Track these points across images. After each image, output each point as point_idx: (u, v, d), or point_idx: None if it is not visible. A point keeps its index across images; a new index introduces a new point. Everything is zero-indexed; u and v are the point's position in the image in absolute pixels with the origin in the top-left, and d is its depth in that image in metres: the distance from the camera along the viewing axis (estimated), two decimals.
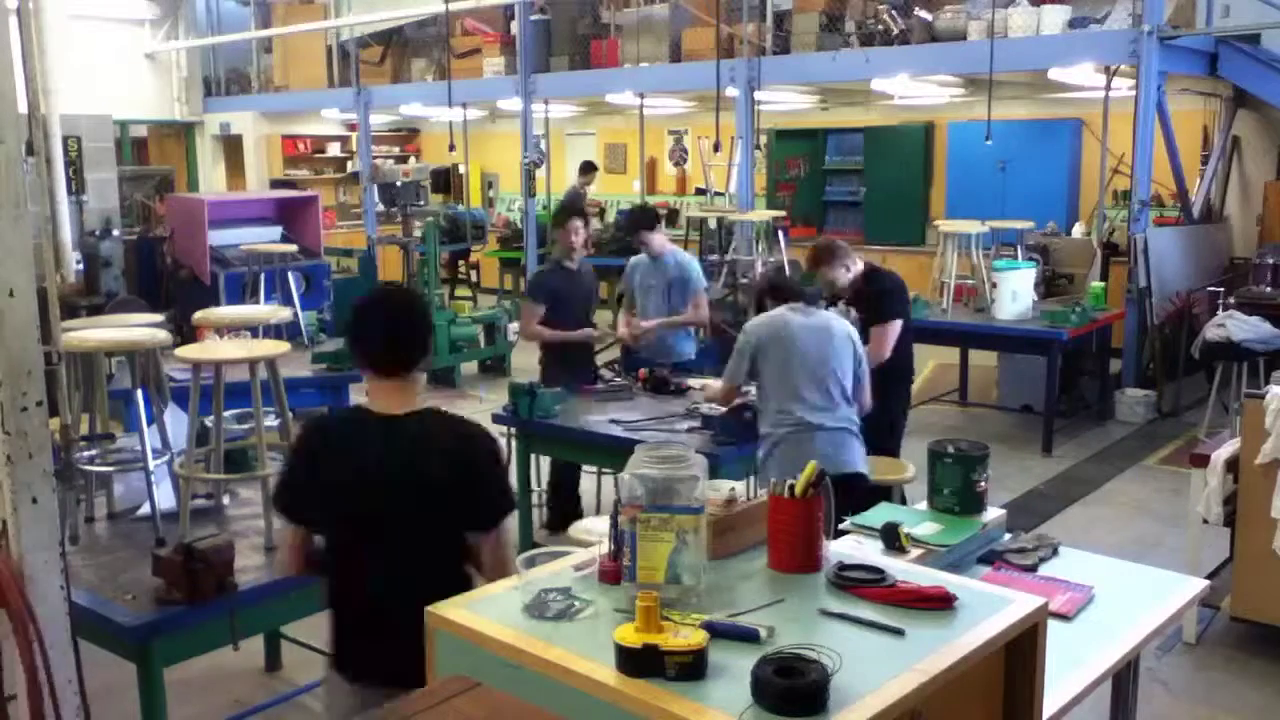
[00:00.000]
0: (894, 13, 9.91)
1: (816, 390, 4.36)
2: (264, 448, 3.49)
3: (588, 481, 6.39)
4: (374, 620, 2.61)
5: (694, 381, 5.82)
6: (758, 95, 10.67)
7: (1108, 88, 9.60)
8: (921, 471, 3.98)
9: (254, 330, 5.56)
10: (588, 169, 13.01)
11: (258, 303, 7.60)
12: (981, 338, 8.24)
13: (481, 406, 8.70)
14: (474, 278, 14.95)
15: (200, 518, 3.57)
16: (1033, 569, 3.21)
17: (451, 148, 11.47)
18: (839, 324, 4.51)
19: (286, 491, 2.68)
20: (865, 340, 5.28)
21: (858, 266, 5.45)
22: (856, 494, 4.16)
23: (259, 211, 10.40)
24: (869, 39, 9.97)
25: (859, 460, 4.44)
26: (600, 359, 6.75)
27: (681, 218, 13.77)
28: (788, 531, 2.55)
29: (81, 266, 9.39)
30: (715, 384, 4.94)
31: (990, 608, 2.34)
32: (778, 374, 4.39)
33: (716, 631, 2.15)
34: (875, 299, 5.41)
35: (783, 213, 10.94)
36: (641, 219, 6.17)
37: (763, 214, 10.65)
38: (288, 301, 7.47)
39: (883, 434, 5.50)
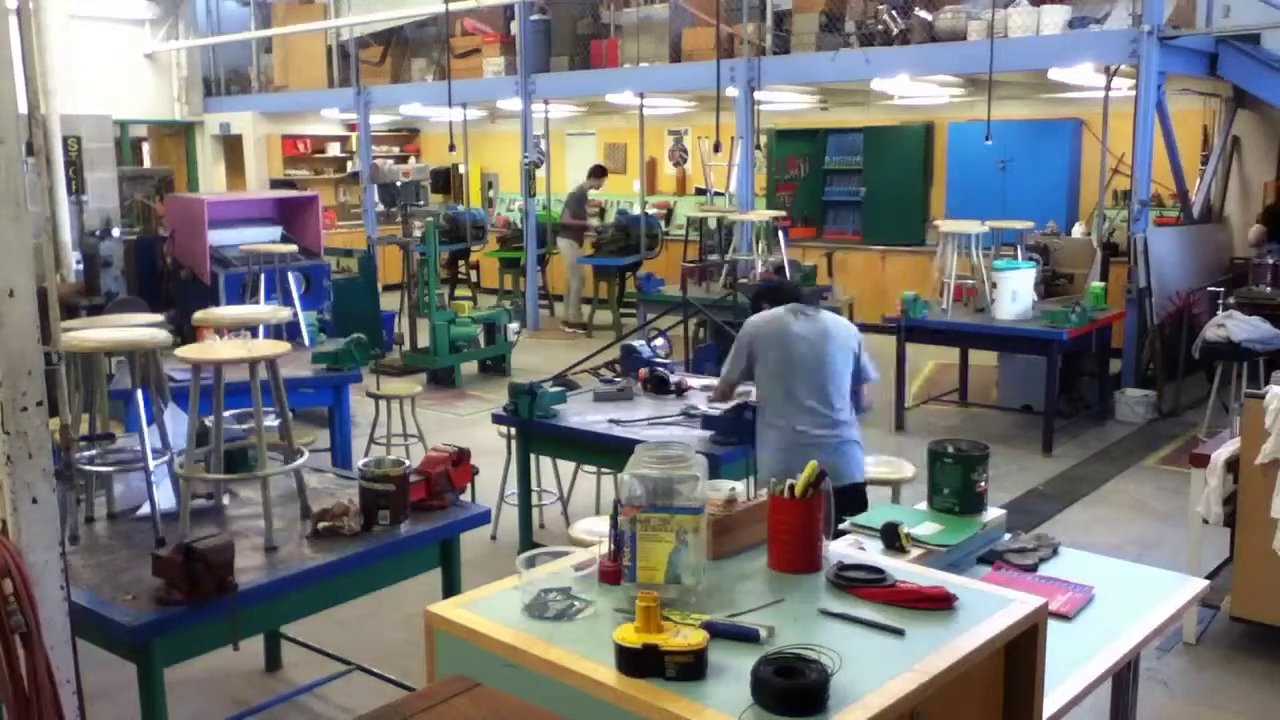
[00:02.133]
0: (894, 13, 9.91)
1: (814, 397, 4.33)
2: (264, 448, 3.49)
3: (587, 481, 6.40)
4: None
5: (695, 380, 5.82)
6: (758, 95, 10.67)
7: (1108, 88, 9.60)
8: (921, 471, 3.99)
9: (254, 330, 5.56)
10: (599, 173, 13.02)
11: (258, 303, 7.60)
12: (981, 338, 8.23)
13: (483, 407, 8.71)
14: (474, 278, 14.97)
15: (200, 518, 3.57)
16: (1033, 569, 3.21)
17: (451, 148, 11.47)
18: (839, 327, 4.47)
19: None
20: None
21: None
22: (853, 504, 4.16)
23: (259, 211, 10.38)
24: (869, 39, 9.98)
25: (857, 470, 4.45)
26: (600, 359, 6.76)
27: (681, 218, 13.79)
28: (788, 531, 2.56)
29: (81, 266, 9.38)
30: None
31: (990, 608, 2.34)
32: (775, 378, 4.38)
33: (716, 631, 2.15)
34: None
35: (783, 213, 10.94)
36: None
37: (763, 214, 10.65)
38: (288, 301, 7.47)
39: None
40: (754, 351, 4.43)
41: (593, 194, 13.40)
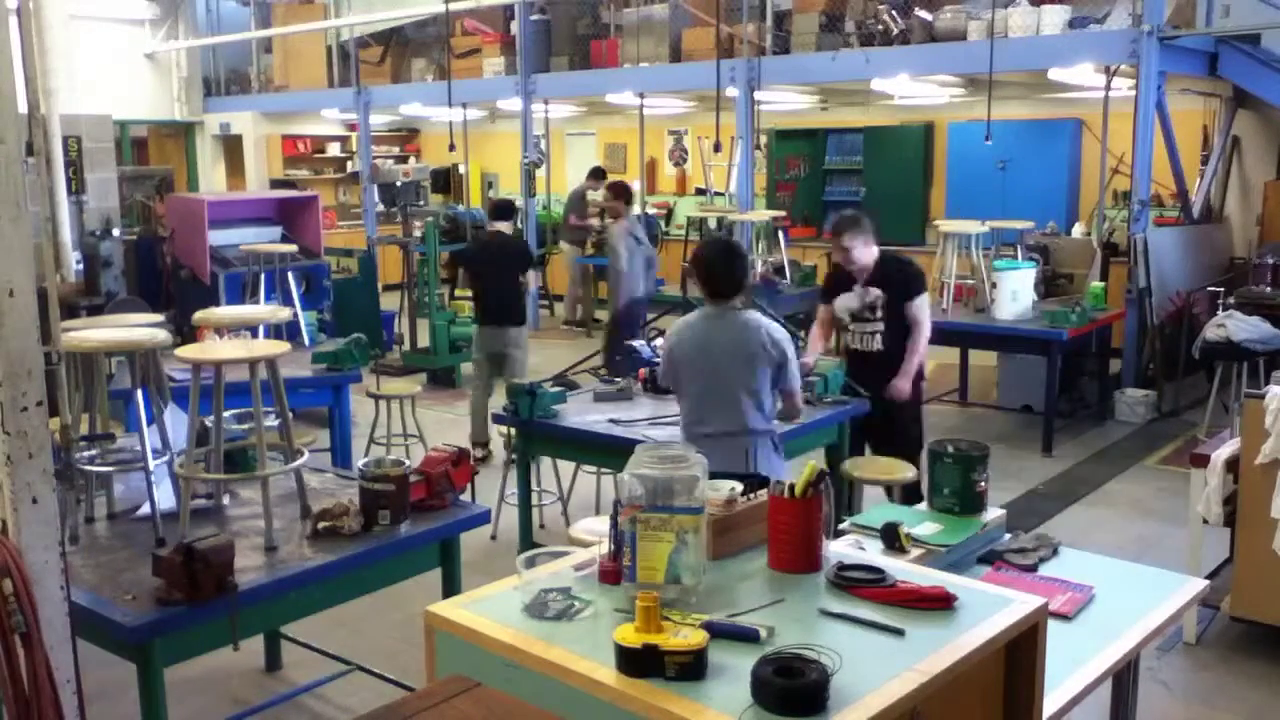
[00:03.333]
0: (894, 13, 9.91)
1: (721, 403, 4.19)
2: (264, 448, 3.48)
3: (587, 481, 6.40)
4: None
5: None
6: (758, 95, 10.67)
7: (1108, 88, 9.61)
8: (921, 472, 3.99)
9: (254, 330, 5.56)
10: (598, 174, 13.02)
11: (258, 303, 7.60)
12: (981, 338, 8.23)
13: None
14: None
15: (200, 518, 3.57)
16: (1033, 569, 3.21)
17: (451, 148, 11.48)
18: (756, 332, 4.20)
19: None
20: (895, 316, 5.49)
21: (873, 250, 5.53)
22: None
23: (259, 211, 10.38)
24: (869, 39, 9.97)
25: (771, 467, 4.17)
26: (599, 359, 6.77)
27: (681, 218, 13.78)
28: (788, 531, 2.56)
29: (81, 266, 9.38)
30: None
31: (990, 608, 2.34)
32: (689, 385, 4.27)
33: (716, 631, 2.15)
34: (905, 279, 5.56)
35: (783, 213, 10.94)
36: None
37: (763, 214, 10.66)
38: (288, 301, 7.47)
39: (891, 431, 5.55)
40: (673, 363, 4.30)
41: (591, 195, 13.39)
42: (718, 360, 4.19)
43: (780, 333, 4.28)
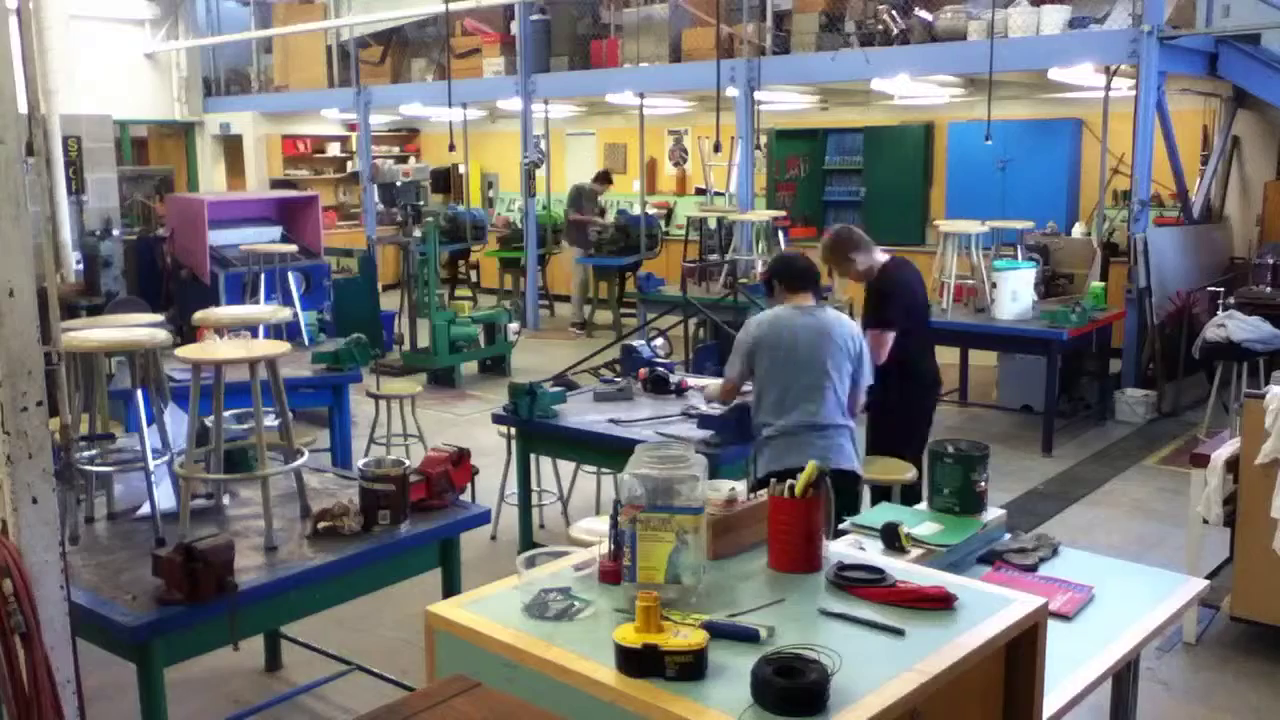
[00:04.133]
0: (894, 13, 9.91)
1: (807, 394, 4.29)
2: (264, 448, 3.48)
3: (587, 481, 6.39)
4: None
5: (694, 381, 5.82)
6: (758, 95, 10.67)
7: (1108, 88, 9.60)
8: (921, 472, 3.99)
9: (254, 330, 5.56)
10: (603, 179, 12.99)
11: (258, 303, 7.60)
12: (981, 338, 8.23)
13: (483, 407, 8.70)
14: (474, 278, 14.95)
15: (200, 518, 3.57)
16: (1033, 569, 3.21)
17: (451, 148, 11.48)
18: (840, 326, 4.39)
19: None
20: None
21: (875, 258, 5.48)
22: (848, 491, 4.17)
23: (259, 211, 10.38)
24: (869, 39, 9.97)
25: (847, 458, 4.35)
26: (601, 359, 6.77)
27: (681, 218, 13.78)
28: (788, 531, 2.56)
29: (81, 266, 9.38)
30: (715, 383, 4.97)
31: (990, 608, 2.34)
32: (772, 375, 4.35)
33: (716, 631, 2.15)
34: (872, 299, 5.38)
35: (783, 213, 10.94)
36: None
37: (763, 214, 10.65)
38: (288, 301, 7.47)
39: (892, 435, 5.44)
40: (756, 350, 4.38)
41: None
42: (806, 354, 4.31)
43: (857, 328, 4.48)
